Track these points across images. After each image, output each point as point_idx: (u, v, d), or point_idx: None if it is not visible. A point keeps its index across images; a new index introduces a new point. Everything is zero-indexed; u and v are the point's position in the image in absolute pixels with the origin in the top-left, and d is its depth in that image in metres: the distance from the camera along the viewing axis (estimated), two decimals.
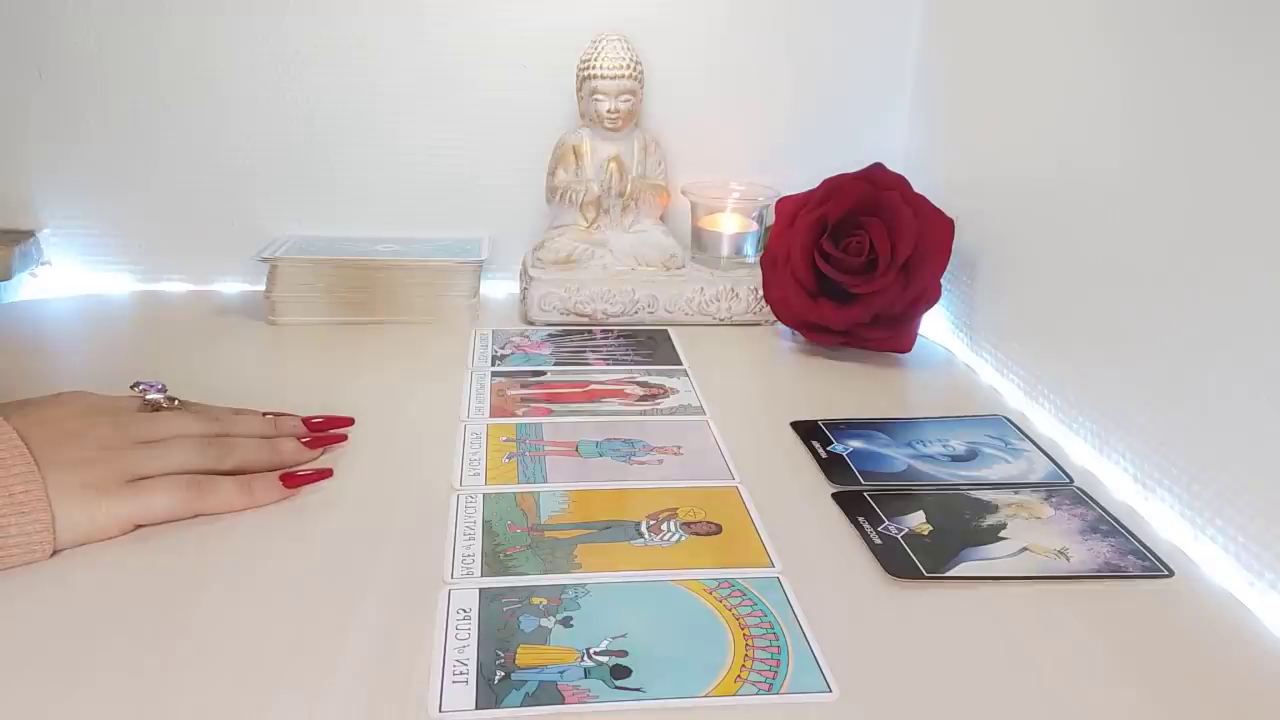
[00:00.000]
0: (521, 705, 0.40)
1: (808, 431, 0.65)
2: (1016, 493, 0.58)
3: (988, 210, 0.78)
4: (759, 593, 0.47)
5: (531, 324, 0.85)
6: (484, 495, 0.56)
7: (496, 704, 0.40)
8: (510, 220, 0.93)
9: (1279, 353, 0.48)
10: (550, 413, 0.67)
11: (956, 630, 0.46)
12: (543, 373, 0.74)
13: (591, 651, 0.43)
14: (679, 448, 0.63)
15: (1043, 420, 0.69)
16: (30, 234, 0.90)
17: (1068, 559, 0.51)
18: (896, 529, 0.54)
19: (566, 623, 0.45)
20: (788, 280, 0.79)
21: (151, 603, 0.46)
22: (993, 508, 0.56)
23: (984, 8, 0.80)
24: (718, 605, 0.46)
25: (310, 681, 0.41)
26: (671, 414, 0.68)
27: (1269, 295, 0.49)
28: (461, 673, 0.41)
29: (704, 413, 0.68)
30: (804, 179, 0.82)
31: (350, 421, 0.63)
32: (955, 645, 0.45)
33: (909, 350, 0.78)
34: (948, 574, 0.50)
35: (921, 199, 0.77)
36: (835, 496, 0.57)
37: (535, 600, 0.46)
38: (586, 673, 0.42)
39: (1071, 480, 0.60)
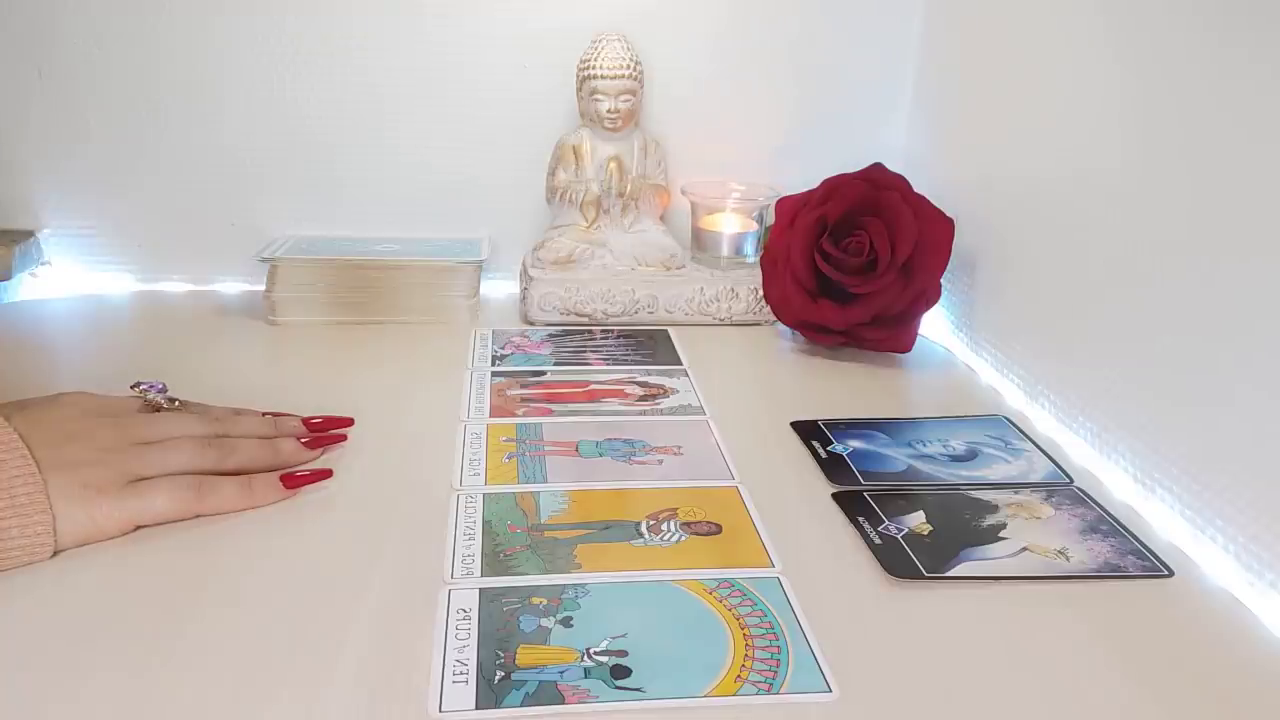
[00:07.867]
0: (521, 705, 0.40)
1: (808, 431, 0.65)
2: (1016, 493, 0.58)
3: (988, 210, 0.78)
4: (759, 593, 0.47)
5: (531, 324, 0.85)
6: (484, 495, 0.56)
7: (496, 704, 0.40)
8: (510, 220, 0.93)
9: (1279, 353, 0.48)
10: (550, 413, 0.67)
11: (956, 630, 0.46)
12: (543, 373, 0.74)
13: (591, 651, 0.43)
14: (679, 448, 0.63)
15: (1043, 420, 0.69)
16: (30, 234, 0.90)
17: (1068, 559, 0.51)
18: (896, 529, 0.54)
19: (566, 623, 0.45)
20: (788, 280, 0.79)
21: (151, 603, 0.46)
22: (993, 508, 0.56)
23: (984, 8, 0.80)
24: (718, 605, 0.46)
25: (310, 681, 0.41)
26: (671, 414, 0.68)
27: (1269, 295, 0.49)
28: (461, 673, 0.41)
29: (704, 413, 0.68)
30: (804, 179, 0.82)
31: (350, 422, 0.63)
32: (955, 645, 0.45)
33: (909, 350, 0.78)
34: (948, 574, 0.50)
35: (921, 199, 0.77)
36: (835, 496, 0.57)
37: (535, 600, 0.46)
38: (586, 673, 0.42)
39: (1071, 480, 0.60)
